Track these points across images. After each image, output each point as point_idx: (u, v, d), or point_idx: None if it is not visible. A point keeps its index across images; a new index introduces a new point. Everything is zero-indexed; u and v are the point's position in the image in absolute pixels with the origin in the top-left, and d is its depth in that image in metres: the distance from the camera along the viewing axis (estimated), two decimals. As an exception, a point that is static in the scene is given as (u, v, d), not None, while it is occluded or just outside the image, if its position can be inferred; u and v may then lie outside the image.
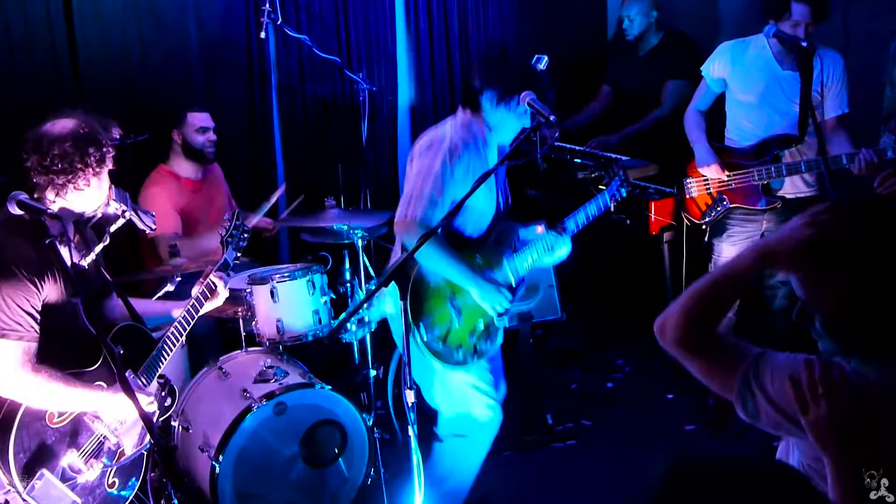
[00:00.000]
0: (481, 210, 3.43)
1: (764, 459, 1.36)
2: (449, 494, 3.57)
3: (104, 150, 2.88)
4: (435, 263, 3.26)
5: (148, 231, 3.11)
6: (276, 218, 4.94)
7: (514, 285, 3.49)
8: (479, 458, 3.57)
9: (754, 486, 1.24)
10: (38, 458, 2.74)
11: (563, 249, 3.53)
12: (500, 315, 3.40)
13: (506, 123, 3.35)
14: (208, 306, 3.34)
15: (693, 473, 1.28)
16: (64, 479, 2.78)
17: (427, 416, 3.52)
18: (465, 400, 3.46)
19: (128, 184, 3.11)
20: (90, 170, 2.84)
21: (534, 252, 3.50)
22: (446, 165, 3.23)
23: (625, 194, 3.63)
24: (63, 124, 2.85)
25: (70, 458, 2.82)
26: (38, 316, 2.75)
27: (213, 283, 3.32)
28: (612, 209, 3.60)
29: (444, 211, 3.15)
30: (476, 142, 3.34)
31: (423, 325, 3.27)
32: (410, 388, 2.87)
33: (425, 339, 3.28)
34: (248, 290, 3.96)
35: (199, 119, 4.58)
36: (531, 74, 3.32)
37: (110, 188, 2.98)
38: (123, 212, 3.00)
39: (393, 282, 2.93)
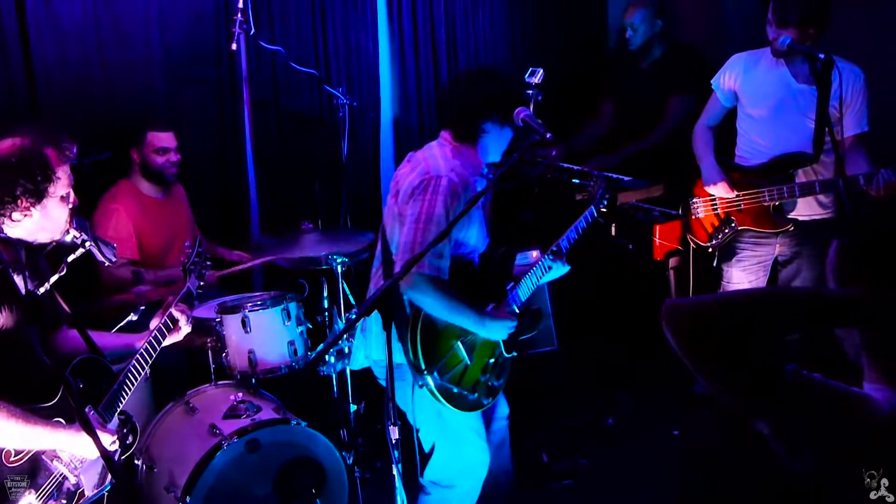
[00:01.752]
0: (475, 244, 3.53)
1: None
2: None
3: (39, 180, 2.83)
4: (441, 312, 3.34)
5: (107, 264, 3.10)
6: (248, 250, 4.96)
7: (517, 312, 3.59)
8: None
9: None
10: (-7, 501, 2.71)
11: (560, 270, 3.68)
12: (507, 344, 3.56)
13: (501, 144, 3.46)
14: (170, 339, 3.34)
15: None
16: (21, 522, 2.76)
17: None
18: (462, 443, 3.51)
19: (86, 203, 3.10)
20: (23, 201, 2.81)
21: (533, 278, 3.64)
22: (448, 209, 3.24)
23: (607, 202, 3.82)
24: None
25: (28, 500, 2.79)
26: None
27: (175, 316, 3.32)
28: (597, 216, 3.78)
29: (449, 259, 3.29)
30: (471, 172, 3.40)
31: (436, 370, 3.35)
32: (395, 425, 2.90)
33: (439, 383, 3.35)
34: (217, 320, 3.97)
35: (160, 139, 4.60)
36: (522, 88, 3.47)
37: (70, 216, 2.98)
38: (83, 241, 3.01)
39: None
